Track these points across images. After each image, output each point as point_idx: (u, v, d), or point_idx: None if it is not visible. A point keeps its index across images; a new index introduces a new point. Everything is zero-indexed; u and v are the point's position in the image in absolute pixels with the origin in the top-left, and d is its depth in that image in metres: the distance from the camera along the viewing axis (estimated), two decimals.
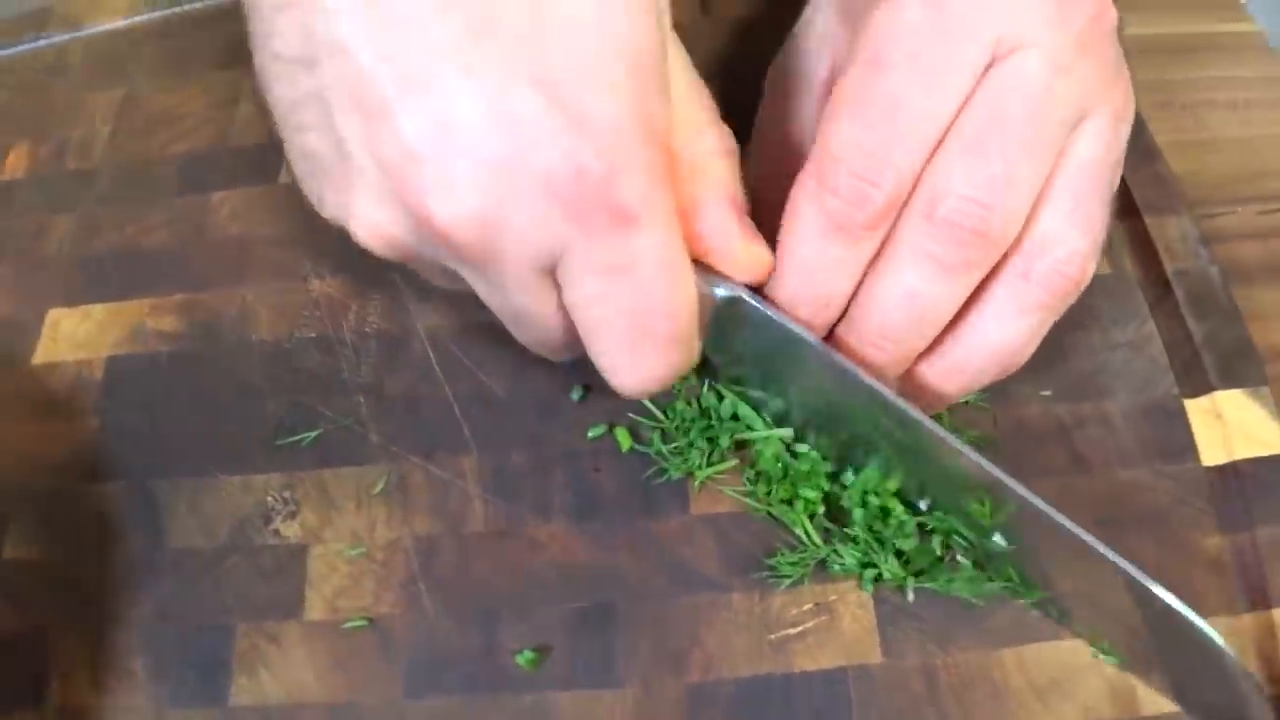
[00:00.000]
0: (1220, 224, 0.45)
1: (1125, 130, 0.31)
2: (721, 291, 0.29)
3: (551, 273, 0.27)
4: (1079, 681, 0.32)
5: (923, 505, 0.33)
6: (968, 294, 0.29)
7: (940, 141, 0.28)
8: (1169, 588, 0.29)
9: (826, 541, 0.33)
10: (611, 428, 0.36)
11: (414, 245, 0.27)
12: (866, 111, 0.28)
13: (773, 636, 0.33)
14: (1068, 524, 0.28)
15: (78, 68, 0.49)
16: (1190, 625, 0.28)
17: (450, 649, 0.33)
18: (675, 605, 0.33)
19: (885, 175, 0.27)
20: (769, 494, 0.34)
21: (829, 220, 0.28)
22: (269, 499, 0.36)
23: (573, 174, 0.24)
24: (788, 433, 0.34)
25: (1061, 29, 0.28)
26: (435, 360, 0.38)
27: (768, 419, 0.34)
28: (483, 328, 0.38)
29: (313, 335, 0.39)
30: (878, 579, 0.33)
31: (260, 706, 0.33)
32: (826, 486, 0.34)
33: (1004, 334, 0.30)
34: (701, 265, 0.29)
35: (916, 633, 0.33)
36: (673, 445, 0.35)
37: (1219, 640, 0.27)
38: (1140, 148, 0.41)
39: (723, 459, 0.35)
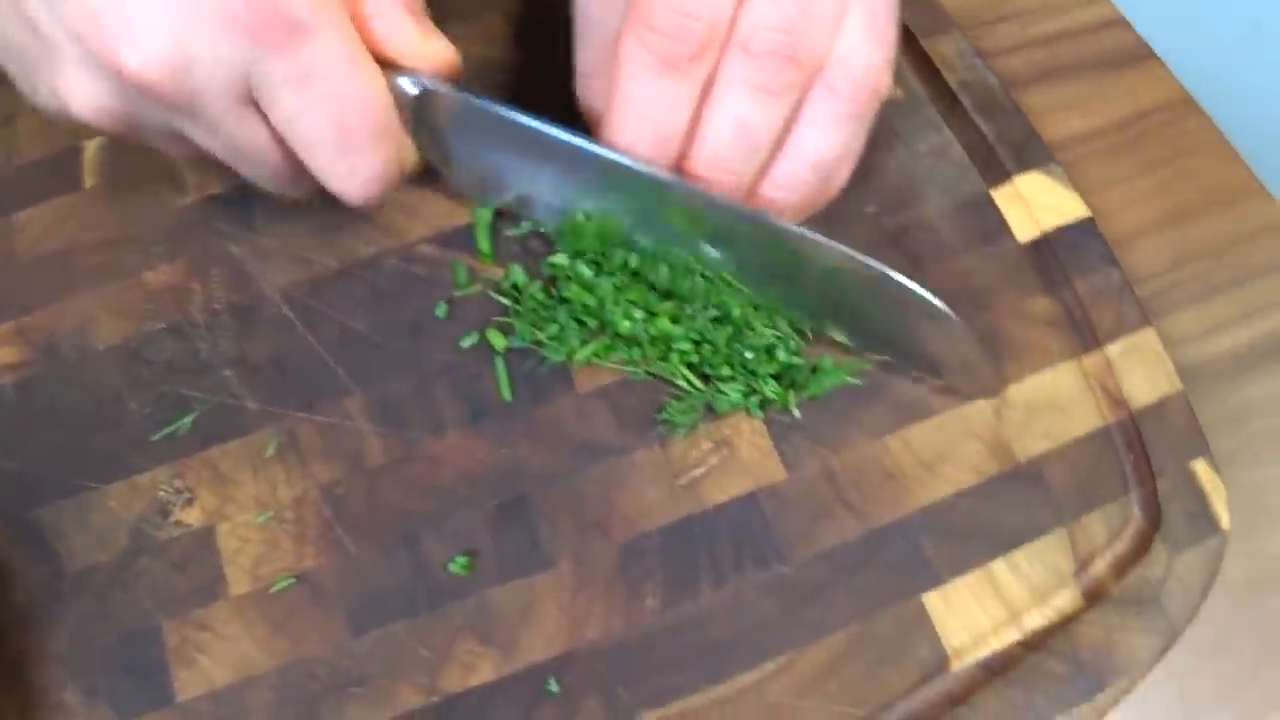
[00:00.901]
0: (985, 44, 0.50)
1: None
2: (412, 86, 0.32)
3: (252, 100, 0.30)
4: (958, 446, 0.37)
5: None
6: (788, 115, 0.33)
7: None
8: (1014, 350, 0.36)
9: (708, 384, 0.36)
10: (483, 332, 0.38)
11: (126, 107, 0.30)
12: None
13: (681, 481, 0.36)
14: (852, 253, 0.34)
15: None
16: (924, 300, 0.34)
17: (383, 580, 0.35)
18: (584, 478, 0.36)
19: (701, 8, 0.31)
20: (643, 356, 0.37)
21: (657, 57, 0.31)
22: (160, 493, 0.36)
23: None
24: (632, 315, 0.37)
25: None
26: (293, 316, 0.38)
27: (612, 287, 0.37)
28: (331, 274, 0.39)
29: (162, 326, 0.39)
30: (763, 404, 0.36)
31: (210, 693, 0.34)
32: (686, 338, 0.36)
33: (821, 145, 0.34)
34: (393, 68, 0.32)
35: (810, 444, 0.36)
36: (547, 332, 0.37)
37: (939, 304, 0.34)
38: None
39: (594, 335, 0.37)
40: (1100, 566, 0.36)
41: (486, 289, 0.38)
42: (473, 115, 0.34)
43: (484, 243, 0.39)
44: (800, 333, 0.37)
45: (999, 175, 0.41)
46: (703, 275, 0.36)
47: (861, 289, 0.35)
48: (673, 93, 0.32)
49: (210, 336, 0.38)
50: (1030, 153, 0.42)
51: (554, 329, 0.37)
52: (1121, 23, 0.52)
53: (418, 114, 0.33)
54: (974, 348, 0.36)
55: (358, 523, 0.35)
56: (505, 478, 0.36)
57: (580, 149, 0.33)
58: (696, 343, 0.36)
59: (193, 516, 0.36)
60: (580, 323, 0.37)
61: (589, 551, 0.35)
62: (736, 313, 0.36)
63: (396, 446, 0.36)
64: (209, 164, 0.34)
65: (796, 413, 0.36)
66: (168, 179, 0.41)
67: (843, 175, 0.36)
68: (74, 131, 0.43)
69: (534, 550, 0.35)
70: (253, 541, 0.35)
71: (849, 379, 0.37)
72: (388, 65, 0.32)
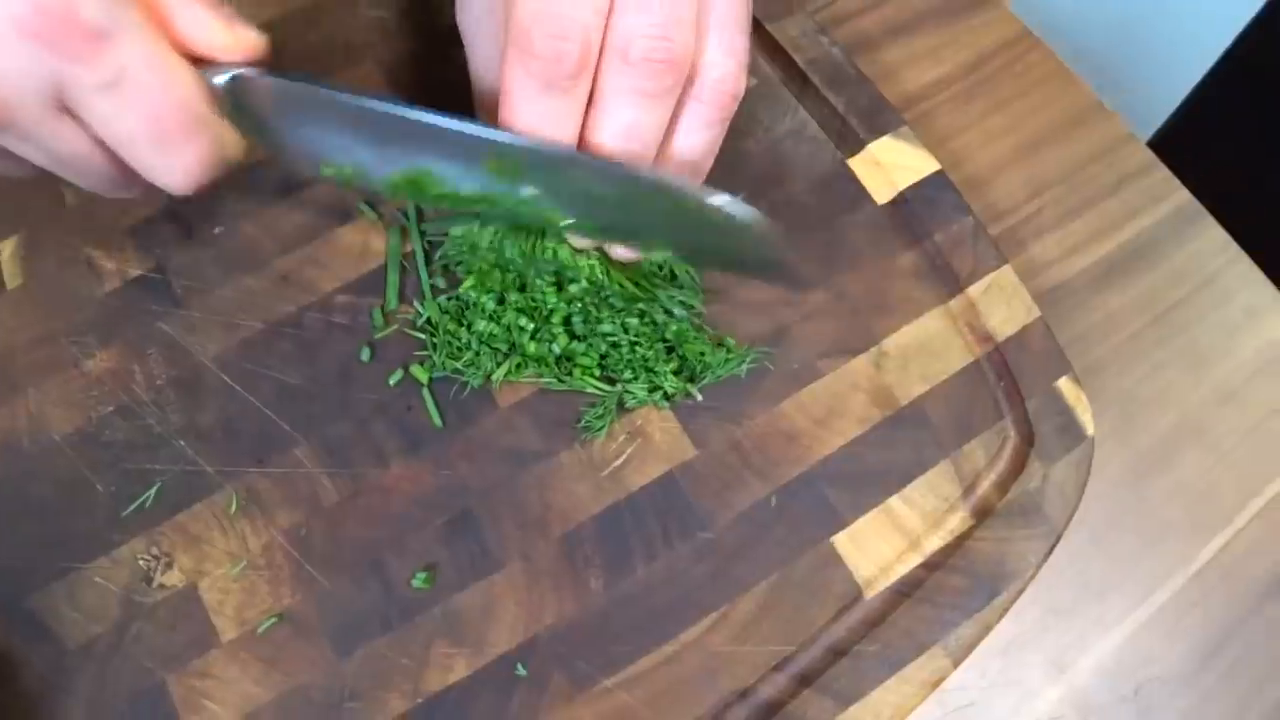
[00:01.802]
0: (836, 10, 0.56)
1: None
2: (219, 76, 0.35)
3: (66, 108, 0.32)
4: (846, 400, 0.43)
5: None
6: (669, 116, 0.38)
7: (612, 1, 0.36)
8: (886, 305, 0.43)
9: (615, 384, 0.42)
10: (406, 369, 0.43)
11: None
12: None
13: (605, 473, 0.42)
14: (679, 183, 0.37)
15: None
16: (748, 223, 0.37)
17: (356, 604, 0.40)
18: (519, 485, 0.42)
19: (573, 30, 0.35)
20: (553, 372, 0.42)
21: (538, 80, 0.35)
22: (141, 562, 0.41)
23: (34, 10, 0.30)
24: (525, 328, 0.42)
25: None
26: (231, 380, 0.43)
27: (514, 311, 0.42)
28: (259, 335, 0.44)
29: (111, 409, 0.43)
30: (667, 396, 0.42)
31: None
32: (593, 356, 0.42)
33: (693, 145, 0.39)
34: (202, 62, 0.35)
35: (714, 421, 0.42)
36: (463, 360, 0.43)
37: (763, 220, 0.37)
38: None
39: (506, 356, 0.43)
40: (984, 487, 0.42)
41: (403, 328, 0.44)
42: (286, 95, 0.36)
43: (392, 298, 0.44)
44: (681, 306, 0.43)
45: (854, 144, 0.47)
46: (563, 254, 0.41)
47: (681, 214, 0.38)
48: (559, 109, 0.36)
49: (159, 411, 0.43)
50: (879, 118, 0.48)
51: (469, 356, 0.42)
52: None
53: (234, 101, 0.36)
54: (781, 247, 0.39)
55: (324, 558, 0.41)
56: (449, 496, 0.41)
57: (390, 113, 0.36)
58: (600, 357, 0.42)
59: (174, 579, 0.41)
60: (492, 348, 0.42)
61: (533, 548, 0.41)
62: (633, 320, 0.42)
63: (347, 484, 0.42)
64: (47, 177, 0.36)
65: (699, 396, 0.42)
66: (87, 268, 0.46)
67: (707, 168, 0.41)
68: None
69: (485, 556, 0.41)
70: (233, 591, 0.41)
71: (738, 368, 0.43)
72: (196, 59, 0.34)
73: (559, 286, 0.42)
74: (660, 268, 0.43)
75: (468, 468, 0.42)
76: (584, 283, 0.41)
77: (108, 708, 0.40)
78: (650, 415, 0.42)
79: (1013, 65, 0.56)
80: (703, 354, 0.42)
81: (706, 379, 0.42)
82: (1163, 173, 0.54)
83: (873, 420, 0.43)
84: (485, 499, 0.41)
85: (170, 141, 0.34)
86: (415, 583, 0.40)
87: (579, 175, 0.37)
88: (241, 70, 0.35)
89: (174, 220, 0.46)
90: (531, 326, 0.42)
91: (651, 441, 0.42)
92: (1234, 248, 0.53)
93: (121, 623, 0.41)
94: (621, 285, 0.41)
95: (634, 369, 0.42)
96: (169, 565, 0.41)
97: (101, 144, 0.34)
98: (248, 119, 0.37)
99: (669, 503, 0.41)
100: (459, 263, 0.43)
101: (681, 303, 0.43)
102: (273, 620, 0.40)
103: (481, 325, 0.42)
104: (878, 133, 0.48)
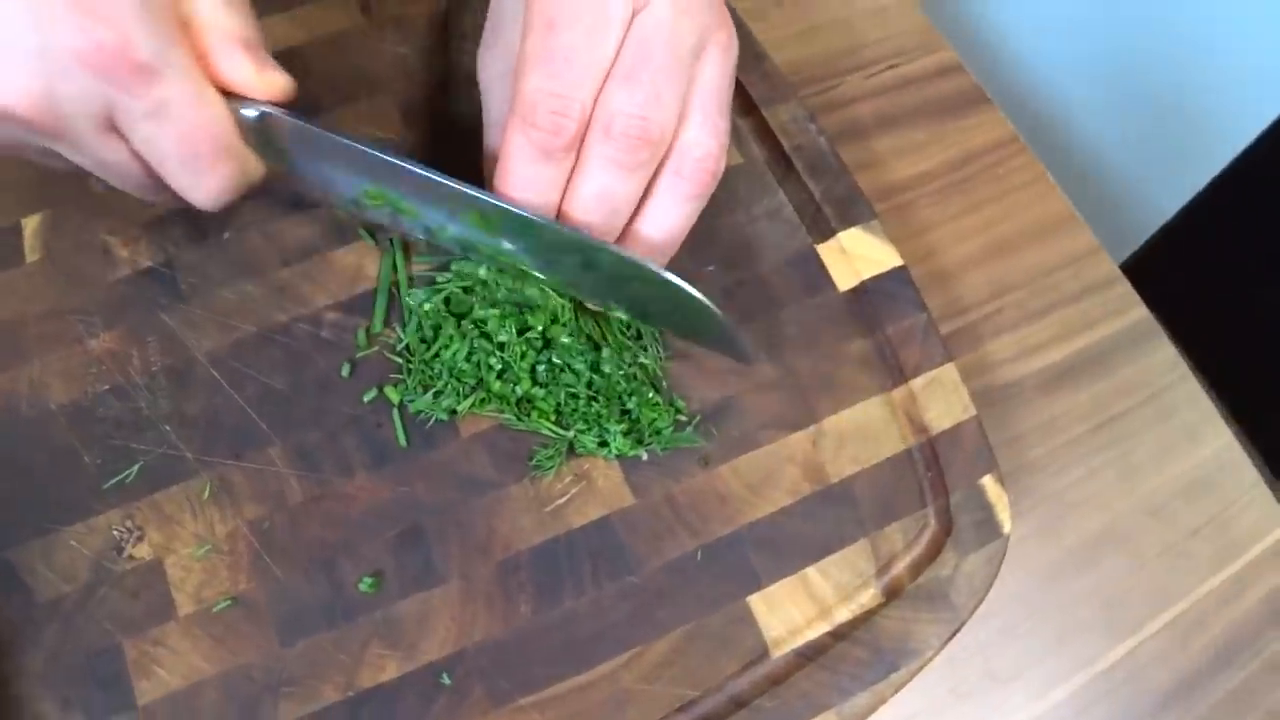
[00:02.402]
0: (835, 94, 0.61)
1: (733, 59, 0.44)
2: (250, 111, 0.41)
3: (113, 128, 0.38)
4: (780, 471, 0.48)
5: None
6: (642, 188, 0.43)
7: (606, 77, 0.41)
8: (830, 388, 0.47)
9: (568, 431, 0.47)
10: (381, 389, 0.48)
11: (2, 132, 0.38)
12: (550, 64, 0.40)
13: (548, 509, 0.46)
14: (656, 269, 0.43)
15: None
16: (699, 303, 0.43)
17: (305, 598, 0.45)
18: (469, 509, 0.46)
19: (573, 109, 0.40)
20: (513, 411, 0.47)
21: (536, 148, 0.40)
22: (114, 533, 0.46)
23: (95, 48, 0.35)
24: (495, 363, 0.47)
25: None
26: (220, 376, 0.48)
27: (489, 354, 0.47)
28: (251, 339, 0.49)
29: (106, 387, 0.48)
30: (613, 453, 0.47)
31: (166, 696, 0.44)
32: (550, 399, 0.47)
33: (668, 218, 0.44)
34: (235, 98, 0.41)
35: (655, 475, 0.47)
36: (432, 391, 0.47)
37: (710, 304, 0.43)
38: (751, 53, 0.56)
39: (473, 390, 0.47)
40: (898, 568, 0.47)
41: (383, 350, 0.49)
42: (302, 136, 0.42)
43: (378, 322, 0.49)
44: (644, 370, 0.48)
45: (824, 231, 0.52)
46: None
47: (652, 289, 0.44)
48: (549, 174, 0.42)
49: (150, 396, 0.48)
50: (852, 209, 0.52)
51: (439, 385, 0.47)
52: (958, 69, 0.63)
53: (259, 134, 0.42)
54: (736, 332, 0.45)
55: (282, 551, 0.46)
56: (404, 510, 0.46)
57: (389, 163, 0.42)
58: (557, 405, 0.47)
59: (143, 551, 0.46)
60: (460, 380, 0.47)
61: (473, 569, 0.45)
62: (598, 377, 0.47)
63: (313, 487, 0.47)
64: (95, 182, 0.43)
65: (644, 457, 0.47)
66: (102, 254, 0.51)
67: (681, 238, 0.45)
68: (13, 208, 0.53)
69: (429, 570, 0.45)
70: (195, 570, 0.46)
71: (687, 441, 0.47)
72: (231, 94, 0.40)
73: (523, 328, 0.47)
74: (627, 326, 0.47)
75: (424, 487, 0.46)
76: (551, 319, 0.46)
77: (67, 661, 0.44)
78: (597, 462, 0.47)
79: (996, 168, 0.60)
80: (654, 419, 0.47)
81: (653, 445, 0.47)
82: (1125, 287, 0.59)
83: (802, 493, 0.47)
84: (436, 517, 0.46)
85: (200, 165, 0.40)
86: (362, 586, 0.45)
87: (550, 237, 0.43)
88: (269, 109, 0.41)
89: (188, 221, 0.51)
90: (500, 367, 0.46)
91: (594, 486, 0.47)
92: (1183, 367, 0.58)
93: (89, 585, 0.45)
94: (586, 328, 0.46)
95: (587, 421, 0.46)
96: (140, 539, 0.46)
97: (140, 158, 0.40)
98: (269, 149, 0.43)
99: (603, 544, 0.46)
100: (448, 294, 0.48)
101: (641, 363, 0.47)
102: (227, 602, 0.45)
103: (448, 357, 0.47)
104: (849, 223, 0.52)
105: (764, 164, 0.54)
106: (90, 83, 0.36)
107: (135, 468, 0.47)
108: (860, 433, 0.49)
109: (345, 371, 0.48)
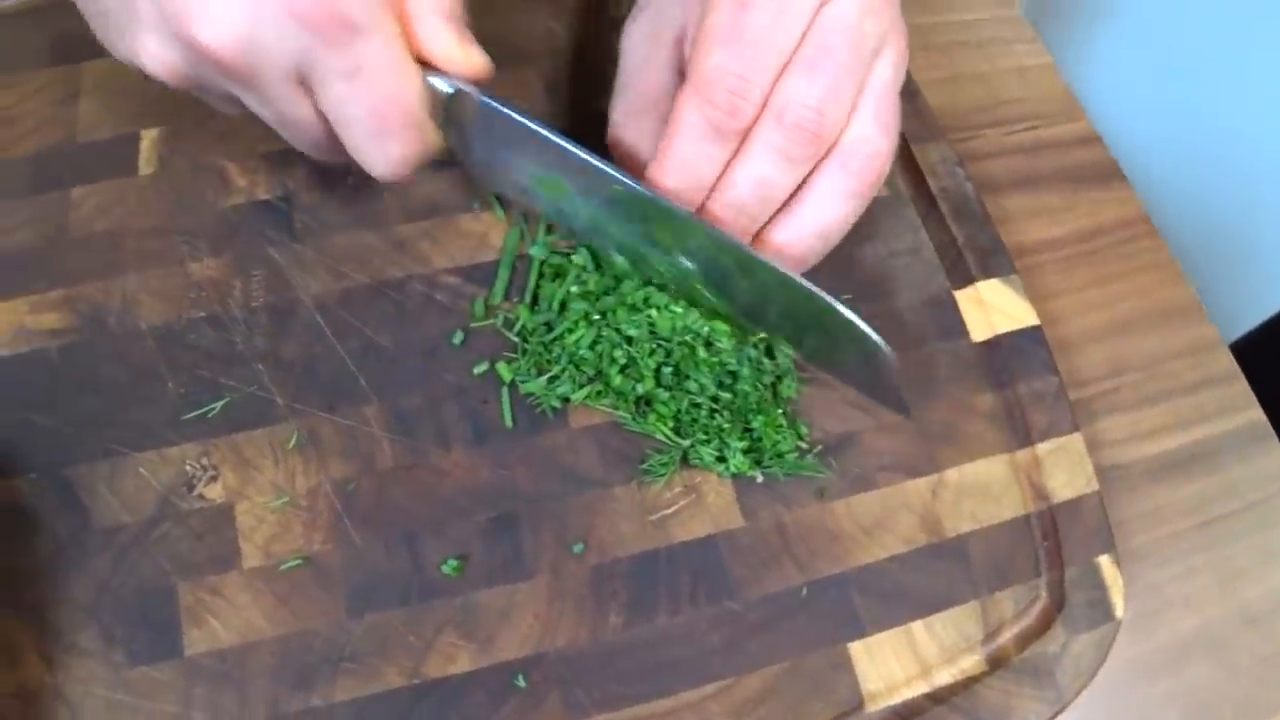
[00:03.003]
0: (971, 146, 0.57)
1: (904, 65, 0.42)
2: (446, 87, 0.38)
3: (304, 83, 0.36)
4: (895, 517, 0.43)
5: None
6: (799, 181, 0.40)
7: (788, 61, 0.38)
8: (956, 438, 0.44)
9: (685, 440, 0.43)
10: (493, 364, 0.44)
11: (193, 73, 0.36)
12: (736, 43, 0.38)
13: (652, 518, 0.42)
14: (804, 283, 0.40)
15: None
16: (859, 330, 0.41)
17: (381, 571, 0.41)
18: (568, 504, 0.42)
19: (752, 91, 0.38)
20: (629, 409, 0.43)
21: (709, 125, 0.38)
22: (188, 467, 0.42)
23: None
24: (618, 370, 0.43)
25: None
26: (324, 323, 0.44)
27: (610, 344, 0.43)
28: (362, 290, 0.45)
29: (202, 315, 0.44)
30: (730, 470, 0.43)
31: (216, 651, 0.39)
32: (671, 401, 0.43)
33: (826, 213, 0.41)
34: (431, 70, 0.38)
35: (768, 499, 0.43)
36: (548, 375, 0.43)
37: (874, 335, 0.41)
38: (907, 87, 0.52)
39: (590, 381, 0.43)
40: (1005, 637, 0.43)
41: (498, 326, 0.45)
42: (494, 118, 0.40)
43: (498, 293, 0.45)
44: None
45: (963, 278, 0.48)
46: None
47: (814, 316, 0.41)
48: (715, 153, 0.39)
49: (246, 331, 0.44)
50: (993, 261, 0.49)
51: (556, 369, 0.43)
52: (1096, 140, 0.60)
53: (447, 110, 0.39)
54: (893, 378, 0.43)
55: (365, 517, 0.41)
56: (500, 494, 0.42)
57: (583, 161, 0.40)
58: (677, 411, 0.43)
59: (215, 493, 0.42)
60: (579, 368, 0.43)
61: (565, 568, 0.41)
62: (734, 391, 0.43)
63: (406, 454, 0.42)
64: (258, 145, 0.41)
65: (760, 479, 0.43)
66: (218, 178, 0.47)
67: (835, 240, 0.43)
68: (135, 118, 0.49)
69: (518, 561, 0.41)
70: (268, 522, 0.41)
71: (809, 469, 0.43)
72: (426, 64, 0.38)
73: (653, 326, 0.43)
74: (756, 345, 0.44)
75: (525, 474, 0.42)
76: (684, 315, 0.42)
77: (116, 595, 0.40)
78: (709, 477, 0.43)
79: (1124, 245, 0.57)
80: (778, 442, 0.43)
81: (772, 468, 0.43)
82: (1242, 386, 0.55)
83: (916, 543, 0.43)
84: (532, 508, 0.42)
85: (386, 134, 0.37)
86: (445, 568, 0.40)
87: (717, 250, 0.40)
88: (463, 86, 0.38)
89: (312, 160, 0.47)
90: (624, 361, 0.42)
91: (704, 501, 0.43)
92: None
93: (152, 519, 0.41)
94: (720, 331, 0.43)
95: (707, 433, 0.42)
96: (214, 478, 0.42)
97: (324, 118, 0.37)
98: (452, 127, 0.40)
99: (705, 563, 0.42)
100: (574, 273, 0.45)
101: (775, 384, 0.44)
102: (298, 561, 0.41)
103: (569, 341, 0.43)
104: (989, 274, 0.49)
105: (908, 200, 0.51)
106: (294, 33, 0.34)
107: (220, 403, 0.43)
108: (981, 490, 0.45)
109: (458, 340, 0.44)
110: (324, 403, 0.43)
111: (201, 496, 0.42)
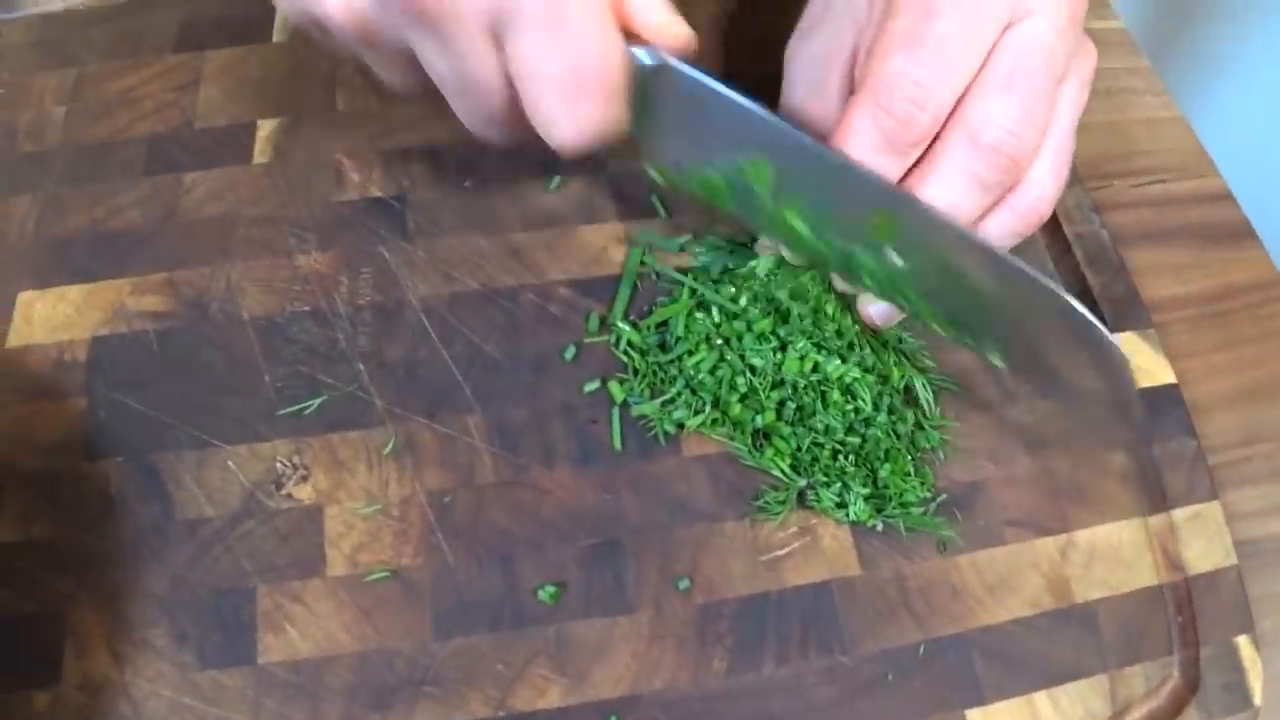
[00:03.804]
0: (1099, 196, 0.53)
1: (1086, 95, 0.38)
2: (649, 58, 0.34)
3: (495, 35, 0.32)
4: (1022, 577, 0.39)
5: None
6: (984, 211, 0.36)
7: (976, 76, 0.34)
8: (1088, 497, 0.39)
9: (803, 478, 0.39)
10: (604, 382, 0.40)
11: (374, 13, 0.33)
12: (919, 49, 0.34)
13: (764, 558, 0.38)
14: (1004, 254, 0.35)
15: (19, 51, 0.49)
16: (1087, 322, 0.34)
17: (473, 592, 0.37)
18: (675, 536, 0.38)
19: (931, 102, 0.34)
20: (746, 442, 0.39)
21: (882, 135, 0.34)
22: (278, 465, 0.38)
23: None
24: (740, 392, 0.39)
25: (1059, 4, 0.35)
26: (430, 327, 0.41)
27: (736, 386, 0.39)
28: (472, 295, 0.42)
29: (306, 309, 0.41)
30: (849, 516, 0.38)
31: (291, 661, 0.35)
32: (793, 438, 0.39)
33: None
34: (632, 38, 0.34)
35: (887, 548, 0.38)
36: (662, 399, 0.39)
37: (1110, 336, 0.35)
38: None
39: (705, 409, 0.39)
40: (1134, 717, 0.38)
41: (612, 345, 0.41)
42: (698, 96, 0.35)
43: (619, 311, 0.41)
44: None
45: None
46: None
47: (1034, 311, 0.36)
48: (886, 167, 0.35)
49: (350, 329, 0.41)
50: (1129, 312, 0.44)
51: (672, 392, 0.39)
52: (1229, 199, 0.55)
53: (645, 86, 0.35)
54: (1130, 391, 0.37)
55: (459, 533, 0.38)
56: (603, 520, 0.38)
57: (796, 141, 0.35)
58: (796, 449, 0.38)
59: (304, 493, 0.38)
60: (696, 394, 0.39)
61: (669, 605, 0.37)
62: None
63: (507, 469, 0.39)
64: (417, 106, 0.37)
65: (879, 528, 0.39)
66: (333, 172, 0.44)
67: None
68: (253, 107, 0.46)
69: (619, 593, 0.37)
70: (357, 529, 0.38)
71: (932, 526, 0.39)
72: (628, 34, 0.34)
73: (782, 349, 0.39)
74: (897, 389, 0.40)
75: (631, 500, 0.38)
76: (817, 358, 0.38)
77: (192, 592, 0.36)
78: (825, 520, 0.39)
79: (1257, 309, 0.52)
80: (903, 492, 0.38)
81: (895, 519, 0.39)
82: None
83: (1043, 607, 0.38)
84: (638, 537, 0.38)
85: (580, 98, 0.33)
86: (541, 594, 0.36)
87: (940, 238, 0.35)
88: (670, 60, 0.34)
89: (431, 159, 0.44)
90: (745, 390, 0.38)
91: (819, 544, 0.38)
92: None
93: (237, 515, 0.38)
94: (860, 380, 0.38)
95: (828, 475, 0.38)
96: (304, 479, 0.38)
97: (508, 79, 0.33)
98: (645, 106, 0.36)
99: (817, 612, 0.37)
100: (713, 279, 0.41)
101: (912, 430, 0.39)
102: (385, 574, 0.37)
103: (695, 366, 0.39)
104: (1125, 326, 0.44)
105: (1042, 245, 0.46)
106: None
107: (317, 401, 0.39)
108: (1113, 554, 0.40)
109: (569, 354, 0.41)
110: (424, 409, 0.39)
111: (290, 496, 0.38)
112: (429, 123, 0.45)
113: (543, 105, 0.33)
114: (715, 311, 0.39)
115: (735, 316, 0.39)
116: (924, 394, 0.40)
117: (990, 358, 0.39)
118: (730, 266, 0.42)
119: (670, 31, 0.35)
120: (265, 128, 0.45)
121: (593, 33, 0.32)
